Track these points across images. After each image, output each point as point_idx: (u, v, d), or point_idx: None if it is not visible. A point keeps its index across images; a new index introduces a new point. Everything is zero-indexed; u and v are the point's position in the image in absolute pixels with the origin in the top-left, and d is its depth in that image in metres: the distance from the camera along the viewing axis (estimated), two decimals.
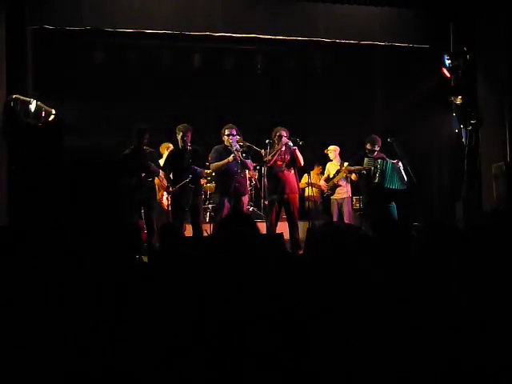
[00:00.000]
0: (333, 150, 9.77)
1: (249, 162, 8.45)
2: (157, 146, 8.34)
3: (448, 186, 10.38)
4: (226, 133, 8.28)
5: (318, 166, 10.31)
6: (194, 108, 10.09)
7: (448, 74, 9.97)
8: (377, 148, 8.58)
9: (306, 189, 9.55)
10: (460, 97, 9.79)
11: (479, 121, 9.63)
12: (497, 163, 9.49)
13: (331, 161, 9.86)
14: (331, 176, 9.73)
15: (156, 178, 8.49)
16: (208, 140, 8.56)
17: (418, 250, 3.31)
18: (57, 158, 8.80)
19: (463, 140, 9.83)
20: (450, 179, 10.34)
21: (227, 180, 8.21)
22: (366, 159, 8.57)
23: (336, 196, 9.66)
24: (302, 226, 8.80)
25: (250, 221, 3.54)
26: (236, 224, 3.24)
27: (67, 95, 9.10)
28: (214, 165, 8.26)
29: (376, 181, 8.41)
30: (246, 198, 8.58)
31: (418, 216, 8.64)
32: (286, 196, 8.36)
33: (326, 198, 9.99)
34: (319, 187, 10.15)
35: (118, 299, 2.61)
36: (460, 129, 9.88)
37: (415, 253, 3.29)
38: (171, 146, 8.86)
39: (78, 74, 9.68)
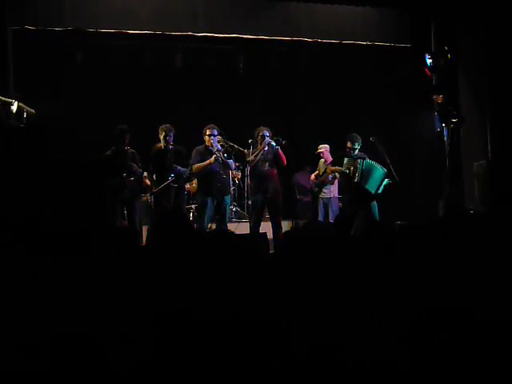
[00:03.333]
0: (323, 149, 9.74)
1: (231, 161, 8.46)
2: (139, 146, 8.31)
3: (430, 184, 10.45)
4: (208, 133, 8.28)
5: (307, 168, 10.32)
6: (177, 108, 10.08)
7: (429, 74, 10.04)
8: (357, 146, 8.60)
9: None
10: (441, 95, 9.86)
11: (460, 119, 9.70)
12: (478, 162, 9.56)
13: (322, 158, 9.81)
14: (320, 174, 9.74)
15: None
16: (191, 140, 8.54)
17: (401, 250, 3.32)
18: (39, 158, 8.75)
19: (445, 139, 9.89)
20: (432, 177, 10.41)
21: (209, 180, 8.22)
22: (345, 159, 8.59)
23: (322, 195, 9.67)
24: (286, 226, 8.82)
25: (184, 219, 3.54)
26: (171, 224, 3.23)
27: (49, 96, 9.06)
28: (195, 166, 8.24)
29: (355, 180, 8.43)
30: (228, 199, 8.59)
31: (401, 214, 8.67)
32: (269, 196, 8.37)
33: (314, 195, 10.01)
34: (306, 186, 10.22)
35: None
36: (442, 127, 9.95)
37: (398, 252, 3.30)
38: None
39: (60, 75, 9.64)
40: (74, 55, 9.71)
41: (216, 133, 8.30)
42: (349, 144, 8.60)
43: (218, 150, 8.20)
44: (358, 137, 8.63)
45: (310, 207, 10.37)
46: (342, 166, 8.63)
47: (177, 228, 3.11)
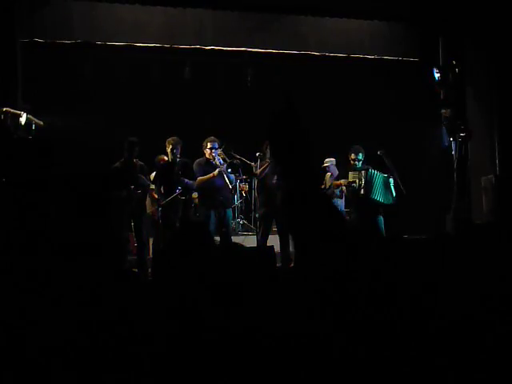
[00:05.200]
0: (328, 163, 9.70)
1: (232, 176, 8.46)
2: (147, 159, 8.32)
3: (438, 198, 10.41)
4: (209, 146, 8.28)
5: None
6: (185, 120, 10.10)
7: (437, 88, 10.04)
8: (361, 158, 8.56)
9: None
10: (449, 109, 9.85)
11: (468, 133, 9.68)
12: (486, 176, 9.54)
13: (328, 172, 9.75)
14: (326, 188, 9.68)
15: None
16: (198, 153, 8.55)
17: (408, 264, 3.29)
18: (47, 170, 8.77)
19: (453, 152, 9.88)
20: (440, 192, 10.38)
21: (212, 193, 8.21)
22: (350, 172, 8.57)
23: None
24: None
25: (204, 230, 3.53)
26: (190, 235, 3.22)
27: (57, 108, 9.10)
28: (198, 178, 8.23)
29: (362, 193, 8.39)
30: (229, 212, 8.57)
31: (408, 229, 8.63)
32: (277, 209, 8.35)
33: None
34: None
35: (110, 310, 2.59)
36: (449, 141, 9.93)
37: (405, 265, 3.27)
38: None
39: (69, 87, 9.68)
40: (83, 68, 9.75)
41: (217, 146, 8.31)
42: (352, 156, 8.57)
43: (220, 164, 8.21)
44: (361, 148, 8.59)
45: None
46: (347, 180, 8.61)
47: (198, 238, 3.10)
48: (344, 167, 9.10)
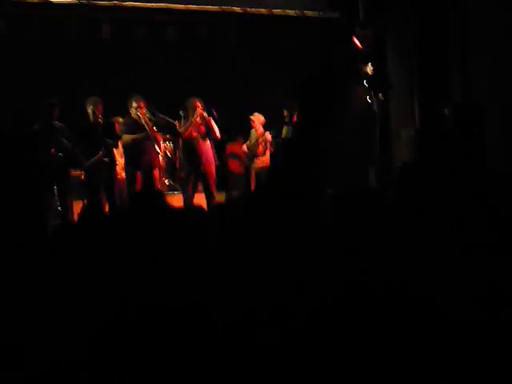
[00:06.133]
0: (255, 118, 9.68)
1: (159, 135, 8.42)
2: (67, 121, 8.10)
3: (359, 152, 10.57)
4: (134, 105, 8.21)
5: (239, 140, 10.24)
6: (105, 80, 9.86)
7: (358, 44, 10.12)
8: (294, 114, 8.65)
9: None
10: (370, 66, 9.98)
11: (389, 89, 9.86)
12: (406, 128, 9.77)
13: (253, 128, 9.74)
14: (251, 144, 9.70)
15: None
16: (119, 113, 8.40)
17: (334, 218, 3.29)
18: None
19: (374, 108, 10.05)
20: (361, 146, 10.54)
21: (138, 153, 8.16)
22: (285, 128, 8.68)
23: (255, 166, 9.67)
24: (220, 198, 8.80)
25: (160, 196, 3.52)
26: (146, 200, 3.20)
27: None
28: (126, 137, 8.15)
29: None
30: (157, 171, 8.53)
31: (331, 183, 8.78)
32: (202, 167, 8.35)
33: (246, 167, 9.99)
34: (240, 157, 10.12)
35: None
36: (371, 97, 10.08)
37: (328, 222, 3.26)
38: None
39: None
40: None
41: (142, 105, 8.24)
42: (286, 113, 8.69)
43: (146, 123, 8.16)
44: (296, 104, 8.68)
45: (242, 179, 10.36)
46: (282, 136, 8.73)
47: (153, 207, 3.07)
48: (277, 123, 9.17)
